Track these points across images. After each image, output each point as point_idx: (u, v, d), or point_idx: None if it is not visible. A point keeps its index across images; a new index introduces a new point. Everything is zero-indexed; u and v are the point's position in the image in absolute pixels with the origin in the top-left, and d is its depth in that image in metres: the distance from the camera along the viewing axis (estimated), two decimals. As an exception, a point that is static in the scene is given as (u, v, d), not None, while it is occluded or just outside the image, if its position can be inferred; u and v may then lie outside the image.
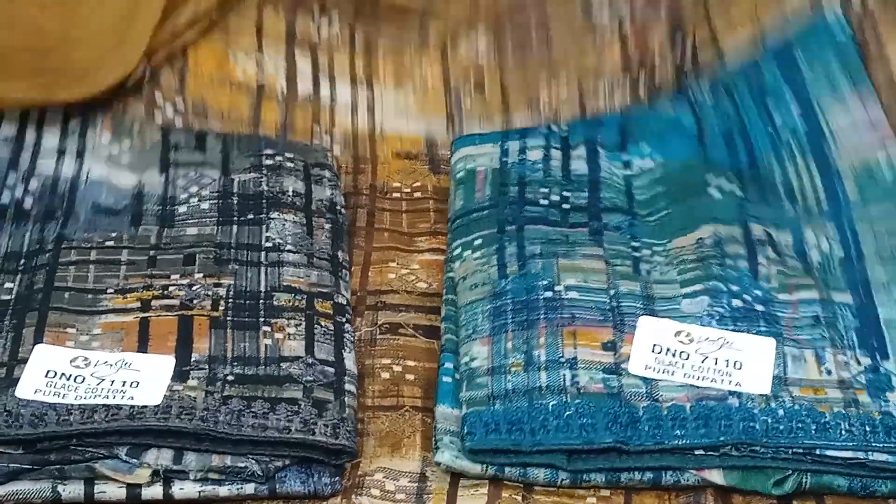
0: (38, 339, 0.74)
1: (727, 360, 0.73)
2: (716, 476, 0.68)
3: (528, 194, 0.85)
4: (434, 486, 0.70)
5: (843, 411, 0.69)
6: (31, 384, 0.71)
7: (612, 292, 0.76)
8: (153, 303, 0.77)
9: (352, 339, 0.77)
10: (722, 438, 0.68)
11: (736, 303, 0.76)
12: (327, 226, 0.84)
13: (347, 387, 0.73)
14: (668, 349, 0.73)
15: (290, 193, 0.85)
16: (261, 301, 0.77)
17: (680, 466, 0.69)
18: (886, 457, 0.68)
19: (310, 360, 0.74)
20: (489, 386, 0.72)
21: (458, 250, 0.82)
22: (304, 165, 0.89)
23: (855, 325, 0.75)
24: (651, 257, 0.80)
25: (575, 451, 0.68)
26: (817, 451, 0.68)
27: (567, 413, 0.69)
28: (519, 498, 0.69)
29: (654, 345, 0.73)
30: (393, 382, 0.77)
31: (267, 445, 0.68)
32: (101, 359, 0.73)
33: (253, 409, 0.70)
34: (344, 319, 0.77)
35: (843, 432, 0.68)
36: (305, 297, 0.78)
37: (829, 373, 0.72)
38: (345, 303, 0.79)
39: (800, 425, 0.68)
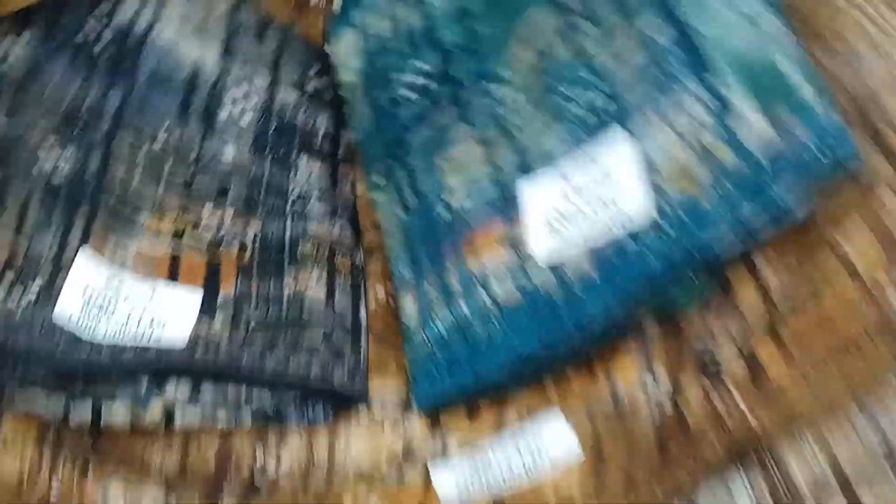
0: (84, 239, 0.75)
1: (606, 193, 0.70)
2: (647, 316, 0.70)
3: (396, 94, 0.84)
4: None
5: (717, 189, 0.66)
6: (69, 306, 0.72)
7: (496, 178, 0.76)
8: (185, 237, 0.78)
9: (366, 295, 0.80)
10: (627, 291, 0.67)
11: (589, 117, 0.73)
12: (351, 175, 0.86)
13: (362, 339, 0.76)
14: (559, 212, 0.72)
15: (321, 136, 0.87)
16: (285, 250, 0.80)
17: (609, 336, 0.70)
18: (761, 213, 0.65)
19: (330, 308, 0.77)
20: (423, 333, 0.74)
21: (371, 195, 0.83)
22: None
23: (679, 54, 0.70)
24: (510, 98, 0.78)
25: (513, 366, 0.70)
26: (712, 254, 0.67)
27: (494, 332, 0.71)
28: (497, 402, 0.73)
29: (546, 217, 0.72)
30: (380, 308, 0.79)
31: (285, 386, 0.72)
32: (133, 286, 0.74)
33: (275, 352, 0.73)
34: (361, 279, 0.80)
35: (725, 225, 0.65)
36: (327, 249, 0.80)
37: (691, 147, 0.67)
38: (361, 264, 0.81)
39: (690, 239, 0.66)
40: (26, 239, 0.73)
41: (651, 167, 0.69)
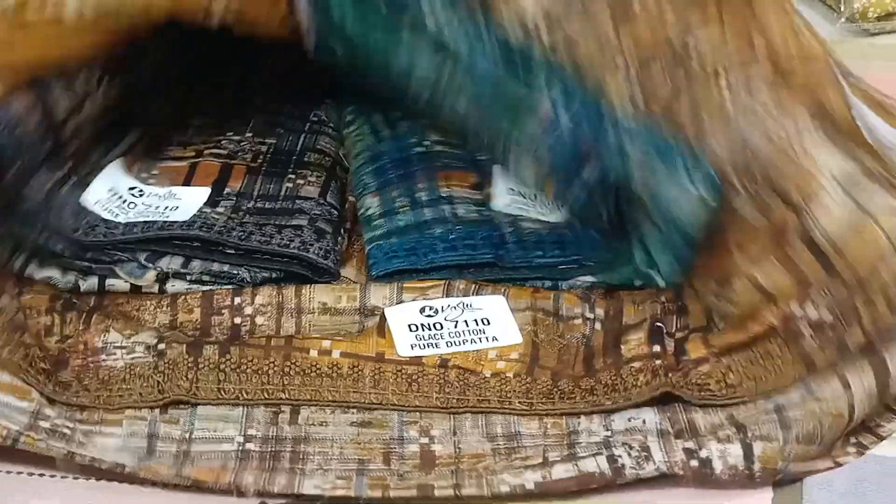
0: (121, 155, 0.87)
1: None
2: (588, 279, 0.81)
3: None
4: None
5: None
6: (96, 194, 0.83)
7: (475, 157, 0.89)
8: (205, 152, 0.90)
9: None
10: (574, 257, 0.82)
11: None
12: None
13: (342, 231, 0.85)
14: (520, 193, 0.86)
15: None
16: (294, 157, 0.90)
17: (552, 278, 0.81)
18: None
19: (321, 201, 0.85)
20: (384, 225, 0.83)
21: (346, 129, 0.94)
22: None
23: None
24: None
25: (463, 265, 0.81)
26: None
27: (452, 237, 0.82)
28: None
29: (510, 188, 0.85)
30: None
31: (267, 256, 0.80)
32: (153, 192, 0.85)
33: (263, 230, 0.82)
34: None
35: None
36: (332, 160, 0.90)
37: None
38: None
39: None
40: (84, 144, 0.85)
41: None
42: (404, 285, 0.81)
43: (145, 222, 0.81)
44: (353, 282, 0.82)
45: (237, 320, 0.79)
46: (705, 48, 0.74)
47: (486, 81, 0.76)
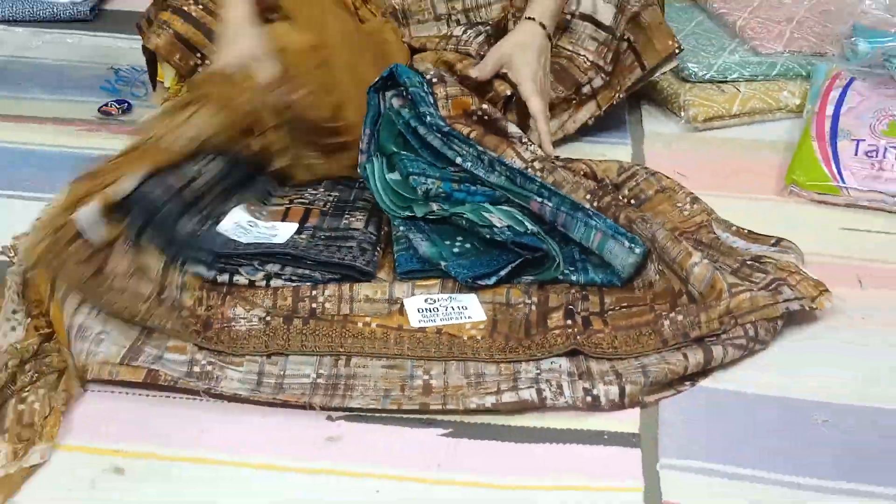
0: (236, 205, 1.27)
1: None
2: (528, 277, 1.18)
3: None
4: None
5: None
6: (225, 226, 1.23)
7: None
8: (295, 200, 1.30)
9: (387, 229, 1.27)
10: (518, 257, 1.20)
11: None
12: None
13: (378, 248, 1.24)
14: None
15: None
16: (349, 204, 1.30)
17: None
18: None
19: (364, 231, 1.24)
20: (406, 243, 1.22)
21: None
22: None
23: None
24: None
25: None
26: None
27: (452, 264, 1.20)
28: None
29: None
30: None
31: (329, 265, 1.19)
32: (262, 223, 1.25)
33: (328, 249, 1.21)
34: (385, 221, 1.28)
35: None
36: (372, 205, 1.29)
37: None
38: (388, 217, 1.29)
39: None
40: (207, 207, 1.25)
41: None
42: (416, 283, 1.18)
43: (257, 243, 1.20)
44: (384, 281, 1.20)
45: (314, 305, 1.17)
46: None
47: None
